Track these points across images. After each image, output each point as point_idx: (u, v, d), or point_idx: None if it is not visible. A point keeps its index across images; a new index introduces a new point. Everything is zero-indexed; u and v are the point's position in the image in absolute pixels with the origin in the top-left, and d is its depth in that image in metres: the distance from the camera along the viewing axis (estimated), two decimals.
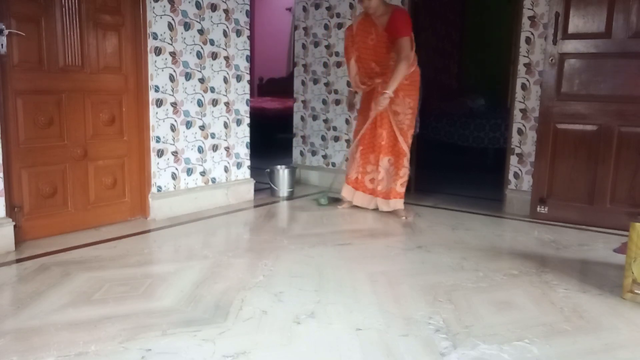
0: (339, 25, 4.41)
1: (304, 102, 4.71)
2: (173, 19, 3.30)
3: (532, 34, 3.61)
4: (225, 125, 3.77)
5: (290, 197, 4.14)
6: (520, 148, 3.75)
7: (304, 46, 4.65)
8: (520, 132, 3.74)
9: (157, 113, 3.28)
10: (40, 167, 2.84)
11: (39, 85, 2.79)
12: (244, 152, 3.95)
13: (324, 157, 4.64)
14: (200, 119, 3.57)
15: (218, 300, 2.10)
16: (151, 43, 3.19)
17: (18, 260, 2.53)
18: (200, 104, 3.55)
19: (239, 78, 3.83)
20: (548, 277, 2.47)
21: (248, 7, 3.83)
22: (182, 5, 3.34)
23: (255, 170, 4.15)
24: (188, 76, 3.44)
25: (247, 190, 3.99)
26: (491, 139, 5.74)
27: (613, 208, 3.36)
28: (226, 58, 3.70)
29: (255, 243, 2.96)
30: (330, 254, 2.73)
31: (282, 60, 8.34)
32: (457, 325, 1.93)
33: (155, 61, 3.23)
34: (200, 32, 3.49)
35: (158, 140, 3.31)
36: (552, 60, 3.44)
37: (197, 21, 3.45)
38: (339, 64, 4.45)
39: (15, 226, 2.68)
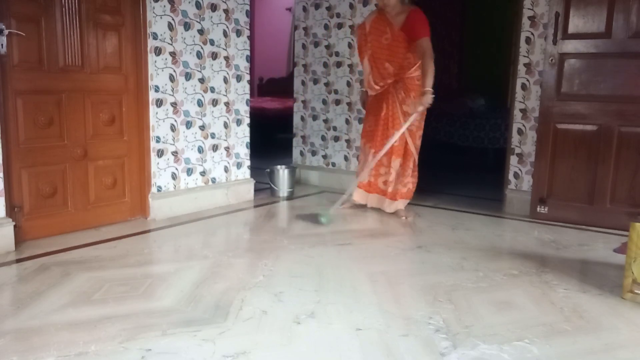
0: (339, 25, 4.41)
1: (304, 102, 4.71)
2: (173, 19, 3.30)
3: (532, 34, 3.61)
4: (225, 125, 3.77)
5: (290, 197, 4.14)
6: (520, 148, 3.75)
7: (304, 46, 4.65)
8: (520, 132, 3.74)
9: (157, 113, 3.28)
10: (40, 167, 2.84)
11: (39, 85, 2.79)
12: (244, 152, 3.95)
13: (324, 157, 4.64)
14: (200, 119, 3.57)
15: (218, 300, 2.10)
16: (151, 43, 3.19)
17: (18, 260, 2.53)
18: (200, 104, 3.55)
19: (239, 78, 3.83)
20: (548, 277, 2.47)
21: (248, 7, 3.84)
22: (182, 5, 3.34)
23: (255, 170, 4.15)
24: (188, 76, 3.44)
25: (247, 190, 3.99)
26: (491, 139, 5.74)
27: (613, 208, 3.36)
28: (226, 58, 3.70)
29: (255, 243, 2.96)
30: (330, 254, 2.73)
31: (282, 60, 8.34)
32: (457, 325, 1.93)
33: (155, 61, 3.23)
34: (200, 32, 3.49)
35: (158, 140, 3.31)
36: (552, 60, 3.44)
37: (197, 21, 3.45)
38: (339, 64, 4.46)
39: (15, 226, 2.68)
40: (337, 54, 4.45)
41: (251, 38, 4.03)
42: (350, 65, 4.39)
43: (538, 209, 3.58)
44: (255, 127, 4.52)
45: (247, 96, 3.94)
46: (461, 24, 7.23)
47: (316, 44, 4.56)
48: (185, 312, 1.99)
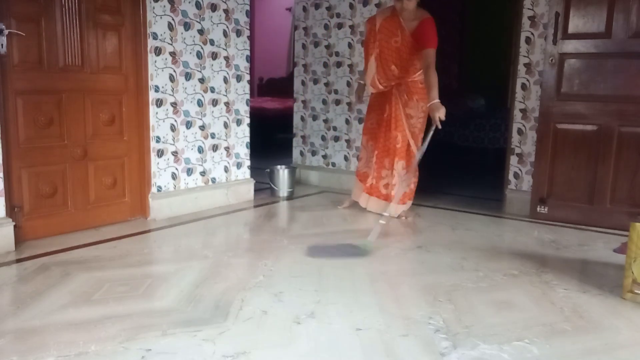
0: (339, 25, 4.41)
1: (304, 102, 4.71)
2: (173, 19, 3.30)
3: (532, 34, 3.61)
4: (225, 125, 3.77)
5: (290, 197, 4.14)
6: (520, 148, 3.75)
7: (304, 46, 4.65)
8: (520, 132, 3.74)
9: (157, 113, 3.28)
10: (40, 167, 2.84)
11: (39, 85, 2.79)
12: (244, 152, 3.95)
13: (324, 157, 4.64)
14: (200, 119, 3.57)
15: (218, 300, 2.10)
16: (151, 43, 3.19)
17: (18, 260, 2.53)
18: (200, 104, 3.55)
19: (239, 78, 3.83)
20: (548, 277, 2.47)
21: (248, 7, 3.83)
22: (182, 5, 3.34)
23: (255, 170, 4.15)
24: (188, 76, 3.44)
25: (247, 190, 3.99)
26: (491, 139, 5.74)
27: (613, 208, 3.36)
28: (226, 58, 3.70)
29: (255, 243, 2.96)
30: None
31: (282, 60, 8.34)
32: (457, 325, 1.93)
33: (155, 61, 3.23)
34: (200, 32, 3.49)
35: (158, 140, 3.31)
36: (552, 60, 3.44)
37: (197, 21, 3.45)
38: (339, 64, 4.46)
39: (15, 226, 2.68)
40: (337, 54, 4.45)
41: (251, 38, 4.03)
42: (350, 65, 4.39)
43: (538, 209, 3.58)
44: (255, 127, 4.52)
45: (247, 96, 3.94)
46: (461, 24, 7.23)
47: (316, 44, 4.56)
48: (185, 312, 1.99)
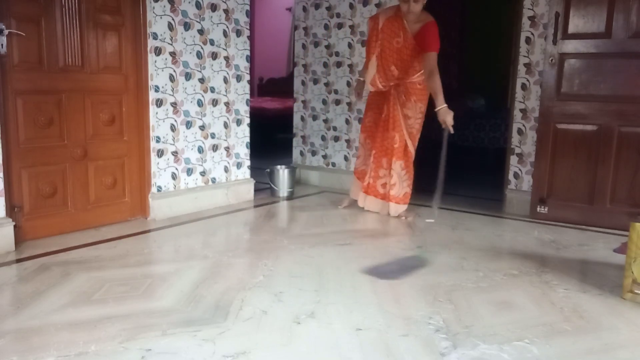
0: (339, 25, 4.41)
1: (304, 102, 4.71)
2: (173, 19, 3.30)
3: (532, 34, 3.61)
4: (225, 125, 3.77)
5: (290, 197, 4.14)
6: (520, 148, 3.75)
7: (304, 46, 4.65)
8: (520, 132, 3.74)
9: (157, 113, 3.28)
10: (40, 167, 2.84)
11: (39, 85, 2.79)
12: (244, 152, 3.95)
13: (324, 157, 4.64)
14: (200, 119, 3.57)
15: (218, 300, 2.10)
16: (151, 43, 3.19)
17: (18, 260, 2.53)
18: (200, 104, 3.55)
19: (239, 78, 3.83)
20: (548, 277, 2.47)
21: (248, 7, 3.83)
22: (182, 5, 3.34)
23: (255, 170, 4.15)
24: (188, 76, 3.44)
25: (247, 190, 3.99)
26: (491, 139, 5.74)
27: (613, 208, 3.36)
28: (226, 58, 3.70)
29: (255, 243, 2.96)
30: (330, 254, 2.73)
31: (282, 60, 8.34)
32: (457, 325, 1.93)
33: (155, 61, 3.23)
34: (200, 32, 3.49)
35: (158, 140, 3.31)
36: (552, 60, 3.44)
37: (197, 21, 3.45)
38: (339, 64, 4.45)
39: (15, 226, 2.68)
40: (337, 54, 4.45)
41: (251, 38, 4.03)
42: (350, 65, 4.39)
43: (538, 209, 3.58)
44: (255, 127, 4.52)
45: (247, 96, 3.94)
46: (461, 24, 7.23)
47: (316, 44, 4.56)
48: (185, 312, 1.99)
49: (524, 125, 3.72)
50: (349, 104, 4.43)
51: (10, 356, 1.65)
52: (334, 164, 4.59)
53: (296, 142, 4.81)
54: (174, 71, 3.35)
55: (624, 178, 3.31)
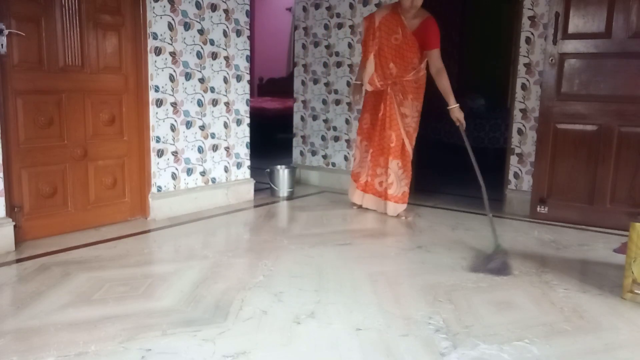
0: (339, 25, 4.41)
1: (304, 102, 4.71)
2: (173, 19, 3.30)
3: (532, 34, 3.61)
4: (225, 125, 3.77)
5: (290, 197, 4.14)
6: (520, 148, 3.75)
7: (304, 46, 4.65)
8: (520, 132, 3.74)
9: (157, 113, 3.28)
10: (40, 167, 2.84)
11: (39, 85, 2.79)
12: (244, 152, 3.95)
13: (324, 157, 4.64)
14: (200, 119, 3.57)
15: (218, 300, 2.10)
16: (151, 43, 3.19)
17: (18, 260, 2.53)
18: (200, 104, 3.55)
19: (239, 78, 3.83)
20: (548, 277, 2.47)
21: (248, 7, 3.83)
22: (182, 5, 3.34)
23: (255, 170, 4.15)
24: (188, 76, 3.44)
25: (247, 190, 3.99)
26: (491, 139, 5.74)
27: (613, 208, 3.36)
28: (226, 58, 3.70)
29: (255, 243, 2.96)
30: (330, 254, 2.73)
31: (282, 60, 8.34)
32: (457, 325, 1.93)
33: (155, 61, 3.23)
34: (200, 32, 3.49)
35: (158, 140, 3.31)
36: (552, 60, 3.44)
37: (197, 21, 3.45)
38: (339, 64, 4.45)
39: (15, 226, 2.68)
40: (337, 54, 4.45)
41: (251, 38, 4.03)
42: (350, 65, 4.39)
43: (538, 209, 3.58)
44: (255, 127, 4.52)
45: (247, 96, 3.94)
46: (461, 24, 7.23)
47: (316, 44, 4.56)
48: (185, 312, 1.99)
49: (524, 125, 3.72)
50: (349, 104, 4.43)
51: (10, 356, 1.65)
52: (334, 164, 4.59)
53: (296, 142, 4.81)
54: (174, 71, 3.35)
55: (624, 178, 3.31)
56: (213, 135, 3.68)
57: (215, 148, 3.71)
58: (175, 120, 3.40)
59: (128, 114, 3.22)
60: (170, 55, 3.31)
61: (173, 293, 2.17)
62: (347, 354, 1.71)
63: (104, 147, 3.13)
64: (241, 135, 3.91)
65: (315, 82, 4.60)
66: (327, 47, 4.50)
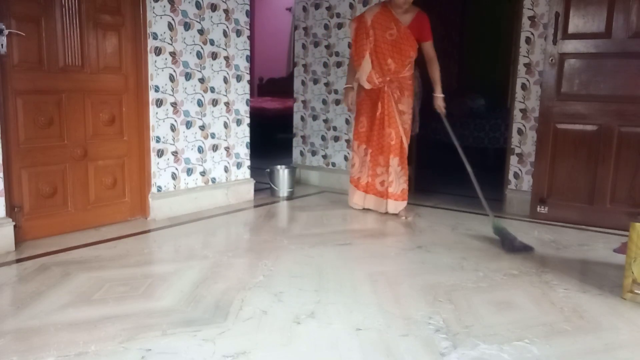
0: (339, 25, 4.41)
1: (304, 102, 4.71)
2: (173, 19, 3.30)
3: (532, 34, 3.61)
4: (225, 125, 3.77)
5: (290, 197, 4.14)
6: (520, 148, 3.75)
7: (304, 46, 4.65)
8: (520, 132, 3.74)
9: (157, 113, 3.28)
10: (40, 167, 2.84)
11: (39, 85, 2.79)
12: (244, 152, 3.95)
13: (324, 157, 4.64)
14: (200, 119, 3.57)
15: (218, 300, 2.10)
16: (151, 43, 3.19)
17: (18, 260, 2.53)
18: (200, 104, 3.55)
19: (239, 78, 3.83)
20: (548, 277, 2.47)
21: (248, 7, 3.83)
22: (182, 5, 3.34)
23: (255, 170, 4.15)
24: (188, 76, 3.44)
25: (247, 190, 3.99)
26: (491, 139, 5.74)
27: (613, 208, 3.36)
28: (226, 58, 3.70)
29: (255, 243, 2.96)
30: (330, 254, 2.73)
31: (282, 60, 8.34)
32: (457, 325, 1.93)
33: (155, 61, 3.23)
34: (200, 32, 3.49)
35: (158, 140, 3.31)
36: (552, 60, 3.44)
37: (197, 21, 3.45)
38: (339, 64, 4.45)
39: (15, 226, 2.68)
40: (337, 54, 4.45)
41: (251, 38, 4.03)
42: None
43: (538, 209, 3.58)
44: (255, 127, 4.52)
45: (247, 96, 3.94)
46: (461, 24, 7.23)
47: (316, 44, 4.56)
48: (185, 312, 1.99)
49: (524, 125, 3.72)
50: None
51: (10, 356, 1.65)
52: (334, 164, 4.59)
53: (296, 142, 4.81)
54: (174, 71, 3.35)
55: (624, 178, 3.31)
56: (213, 135, 3.68)
57: (215, 148, 3.71)
58: (175, 120, 3.40)
59: (128, 114, 3.22)
60: (170, 55, 3.31)
61: (173, 293, 2.17)
62: (347, 354, 1.71)
63: (104, 147, 3.13)
64: (241, 135, 3.91)
65: (315, 82, 4.60)
66: (327, 47, 4.50)
